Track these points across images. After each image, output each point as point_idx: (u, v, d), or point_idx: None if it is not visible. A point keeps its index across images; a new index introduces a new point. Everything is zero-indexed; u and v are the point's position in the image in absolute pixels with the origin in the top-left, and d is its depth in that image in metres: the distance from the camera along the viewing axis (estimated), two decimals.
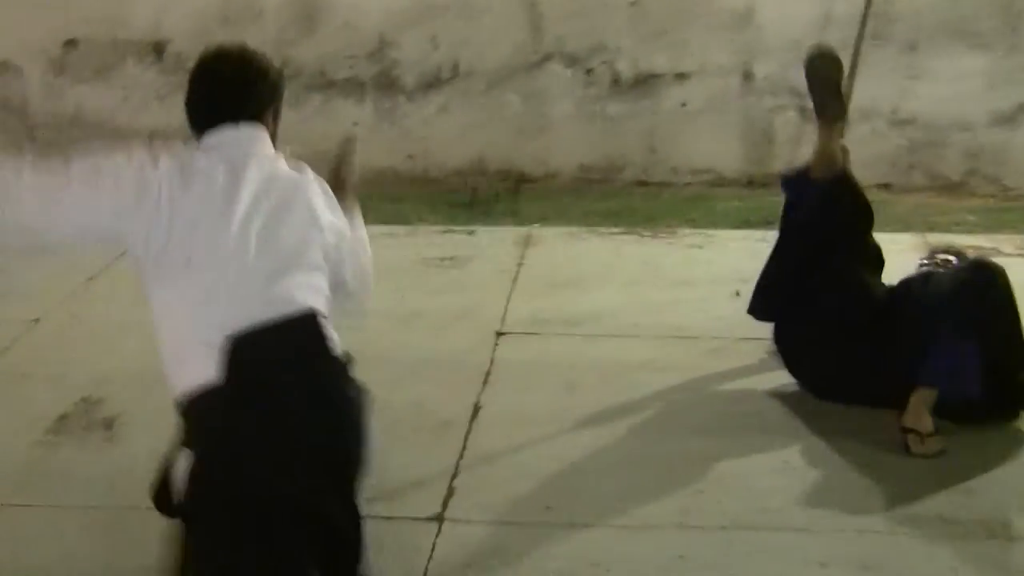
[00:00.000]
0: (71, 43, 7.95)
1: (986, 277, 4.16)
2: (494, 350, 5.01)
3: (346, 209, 3.06)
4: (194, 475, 2.63)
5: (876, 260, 4.53)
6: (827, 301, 4.35)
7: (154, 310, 2.70)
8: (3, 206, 2.61)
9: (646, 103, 7.83)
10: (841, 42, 7.21)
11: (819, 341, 4.36)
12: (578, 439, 4.23)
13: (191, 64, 2.98)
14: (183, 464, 2.66)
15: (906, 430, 4.06)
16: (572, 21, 7.78)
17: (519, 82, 7.85)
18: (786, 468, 4.00)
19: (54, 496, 3.87)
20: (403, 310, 5.40)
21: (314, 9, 7.91)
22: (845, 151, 4.52)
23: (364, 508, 2.81)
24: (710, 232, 6.70)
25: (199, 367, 2.60)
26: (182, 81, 3.00)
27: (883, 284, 4.47)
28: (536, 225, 6.80)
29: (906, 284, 4.40)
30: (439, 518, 3.71)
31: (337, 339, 2.78)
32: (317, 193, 2.89)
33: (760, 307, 4.60)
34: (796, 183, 4.57)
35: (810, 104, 4.53)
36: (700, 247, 6.44)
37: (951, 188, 7.67)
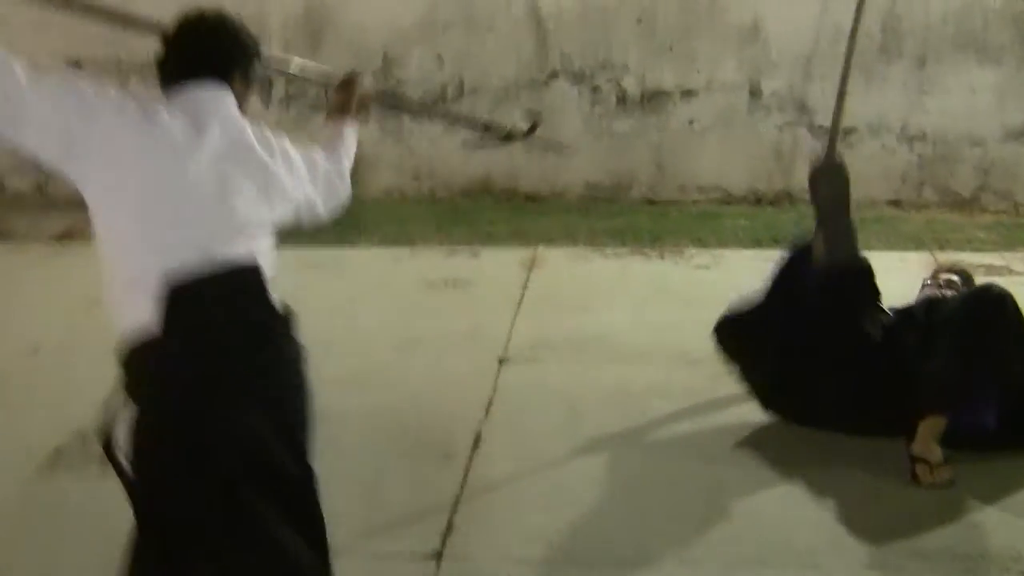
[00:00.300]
0: (75, 63, 7.92)
1: (994, 303, 4.07)
2: (497, 376, 4.94)
3: (342, 127, 3.19)
4: (138, 426, 2.65)
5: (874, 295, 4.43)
6: (821, 341, 4.26)
7: (102, 255, 2.70)
8: None
9: (653, 120, 7.80)
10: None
11: (814, 373, 4.26)
12: (581, 469, 4.16)
13: None
14: (125, 415, 2.67)
15: (915, 459, 3.98)
16: (578, 38, 7.75)
17: (525, 100, 7.80)
18: (791, 499, 3.92)
19: (49, 531, 3.80)
20: (405, 335, 5.35)
21: (319, 27, 7.88)
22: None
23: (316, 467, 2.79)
24: (717, 252, 6.63)
25: (141, 311, 2.61)
26: None
27: (881, 312, 4.38)
28: (541, 246, 6.74)
29: (908, 313, 4.31)
30: (437, 555, 3.62)
31: (278, 298, 2.79)
32: (279, 160, 2.88)
33: (730, 335, 4.48)
34: (801, 257, 4.44)
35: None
36: (707, 267, 6.38)
37: (962, 204, 7.61)
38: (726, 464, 4.17)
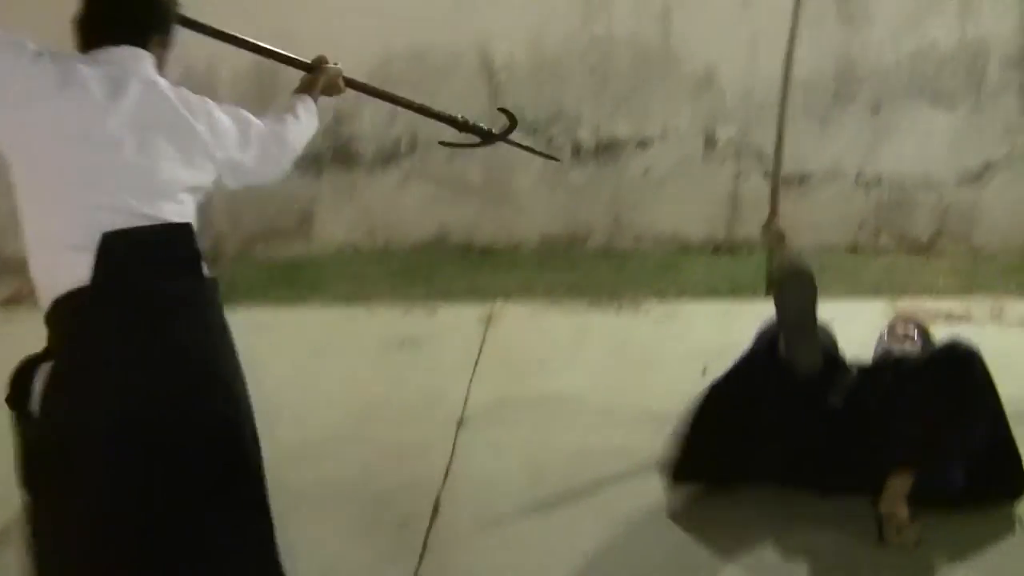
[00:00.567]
0: None
1: (962, 362, 4.01)
2: (455, 440, 4.83)
3: (298, 100, 3.45)
4: (54, 370, 2.64)
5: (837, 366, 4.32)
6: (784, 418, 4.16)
7: (26, 220, 2.69)
8: None
9: (608, 171, 7.74)
10: (804, 106, 7.19)
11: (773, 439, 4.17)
12: (543, 536, 4.06)
13: None
14: (43, 373, 2.67)
15: (882, 518, 3.91)
16: (531, 89, 7.68)
17: (479, 153, 7.72)
18: (760, 566, 3.83)
19: None
20: (360, 400, 5.24)
21: (269, 83, 7.77)
22: (780, 235, 4.40)
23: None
24: (675, 305, 6.56)
25: (69, 272, 2.61)
26: None
27: (845, 371, 4.27)
28: (499, 301, 6.65)
29: (871, 372, 4.23)
30: None
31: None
32: (201, 120, 2.88)
33: (691, 470, 4.32)
34: (767, 351, 4.30)
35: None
36: (666, 321, 6.30)
37: (919, 249, 7.60)
38: (691, 527, 4.08)
